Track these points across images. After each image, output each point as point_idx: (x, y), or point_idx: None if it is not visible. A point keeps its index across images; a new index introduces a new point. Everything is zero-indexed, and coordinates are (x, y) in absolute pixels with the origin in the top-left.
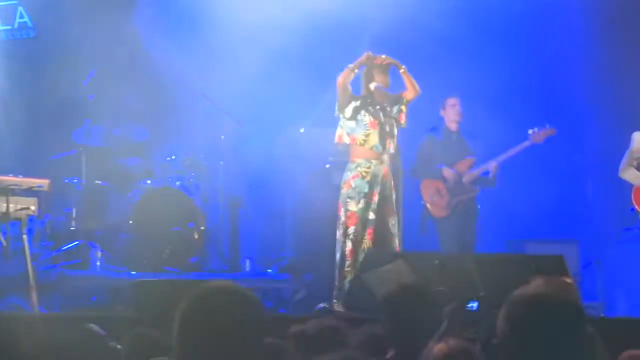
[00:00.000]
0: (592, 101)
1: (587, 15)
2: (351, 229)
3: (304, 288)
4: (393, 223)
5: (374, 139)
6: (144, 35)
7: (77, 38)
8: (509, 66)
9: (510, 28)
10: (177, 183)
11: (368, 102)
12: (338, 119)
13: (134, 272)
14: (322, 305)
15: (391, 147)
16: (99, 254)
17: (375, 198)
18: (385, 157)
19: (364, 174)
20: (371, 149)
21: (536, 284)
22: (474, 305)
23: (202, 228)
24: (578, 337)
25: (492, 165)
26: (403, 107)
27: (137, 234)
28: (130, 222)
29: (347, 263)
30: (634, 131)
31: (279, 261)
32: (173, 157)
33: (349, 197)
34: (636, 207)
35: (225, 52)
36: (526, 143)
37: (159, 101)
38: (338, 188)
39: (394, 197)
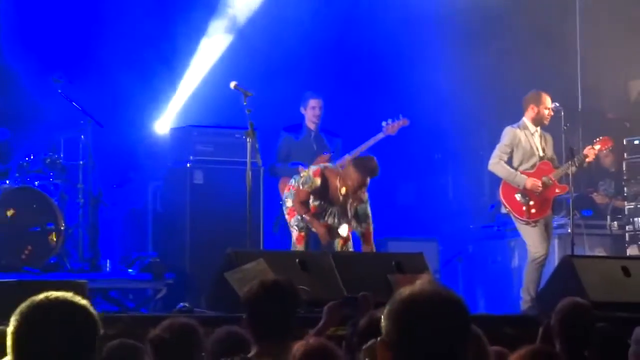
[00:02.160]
0: (450, 100)
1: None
2: None
3: (165, 287)
4: None
5: None
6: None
7: None
8: (369, 63)
9: (373, 21)
10: (35, 183)
11: None
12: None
13: None
14: (182, 304)
15: None
16: None
17: None
18: None
19: None
20: None
21: (419, 283)
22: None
23: (61, 228)
24: (467, 333)
25: (347, 160)
26: None
27: None
28: None
29: None
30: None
31: (140, 260)
32: (32, 157)
33: None
34: (503, 200)
35: (85, 50)
36: (380, 135)
37: (17, 101)
38: (198, 187)
39: None
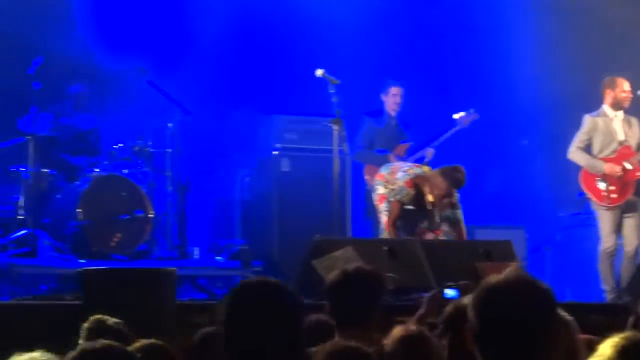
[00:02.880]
0: (538, 86)
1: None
2: None
3: (253, 275)
4: None
5: None
6: (90, 24)
7: (23, 25)
8: (454, 48)
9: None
10: (124, 171)
11: None
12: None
13: (82, 261)
14: None
15: None
16: (47, 242)
17: None
18: None
19: None
20: None
21: (506, 273)
22: (450, 292)
23: (150, 216)
24: (551, 323)
25: (429, 152)
26: None
27: (85, 222)
28: (78, 210)
29: None
30: (583, 114)
31: (228, 248)
32: (120, 145)
33: None
34: (584, 187)
35: (173, 39)
36: (456, 128)
37: (106, 89)
38: (286, 175)
39: None
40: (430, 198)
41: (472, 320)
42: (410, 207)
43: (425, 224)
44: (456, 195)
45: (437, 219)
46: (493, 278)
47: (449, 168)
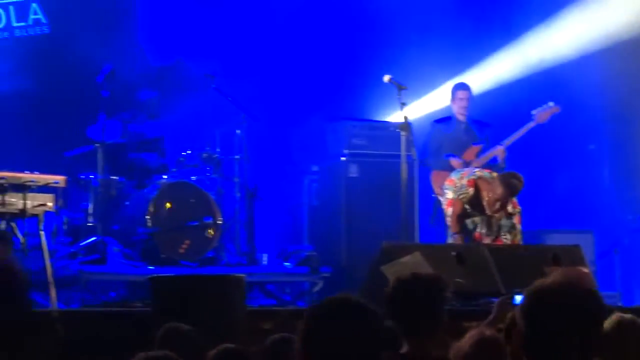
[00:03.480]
0: (604, 89)
1: None
2: None
3: (321, 281)
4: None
5: None
6: (156, 32)
7: (92, 34)
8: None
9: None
10: (192, 177)
11: None
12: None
13: (151, 267)
14: None
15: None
16: (117, 249)
17: None
18: None
19: None
20: None
21: (553, 275)
22: (519, 298)
23: (219, 222)
24: (597, 327)
25: (499, 150)
26: None
27: (154, 229)
28: (147, 217)
29: None
30: None
31: (297, 254)
32: (188, 152)
33: None
34: None
35: (241, 46)
36: (531, 124)
37: (173, 96)
38: (353, 180)
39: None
40: (487, 201)
41: (520, 323)
42: (468, 208)
43: (483, 230)
44: (513, 203)
45: (494, 227)
46: (539, 281)
47: (506, 174)
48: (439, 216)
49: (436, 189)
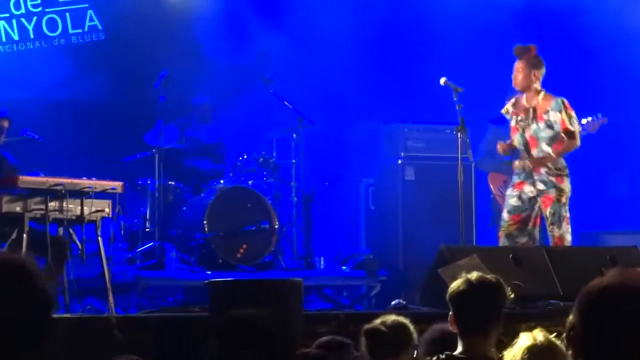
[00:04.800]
0: None
1: None
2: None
3: (379, 284)
4: (552, 211)
5: (517, 139)
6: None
7: (147, 40)
8: (580, 53)
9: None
10: (249, 182)
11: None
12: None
13: (208, 272)
14: (397, 301)
15: (535, 150)
16: (174, 254)
17: (522, 187)
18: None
19: (515, 168)
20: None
21: (610, 275)
22: None
23: (276, 226)
24: None
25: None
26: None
27: (211, 233)
28: (205, 222)
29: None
30: None
31: (354, 258)
32: (245, 157)
33: None
34: None
35: (297, 50)
36: (583, 132)
37: (230, 101)
38: (410, 183)
39: (556, 187)
40: None
41: (574, 326)
42: None
43: (524, 239)
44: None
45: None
46: (596, 281)
47: None
48: (496, 218)
49: (494, 190)
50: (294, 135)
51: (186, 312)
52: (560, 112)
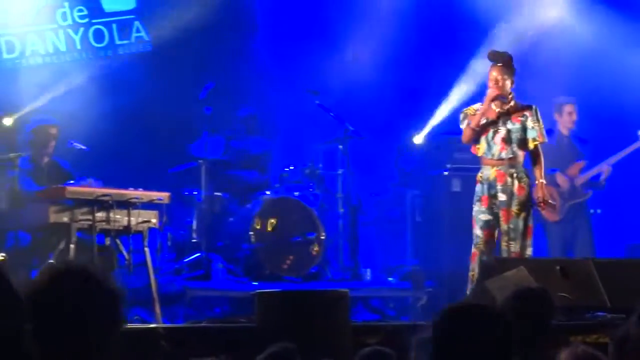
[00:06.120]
0: None
1: None
2: (474, 232)
3: (425, 296)
4: (512, 227)
5: (483, 145)
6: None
7: (193, 51)
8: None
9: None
10: (295, 193)
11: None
12: (456, 128)
13: (255, 283)
14: None
15: (505, 152)
16: (221, 265)
17: (488, 201)
18: (501, 162)
19: (479, 178)
20: (483, 154)
21: None
22: None
23: (322, 237)
24: None
25: (605, 168)
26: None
27: (258, 244)
28: (251, 233)
29: (470, 267)
30: None
31: (400, 269)
32: (291, 168)
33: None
34: None
35: (342, 61)
36: (637, 144)
37: (276, 112)
38: (457, 195)
39: (516, 200)
40: None
41: (634, 337)
42: None
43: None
44: None
45: None
46: None
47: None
48: (536, 229)
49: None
50: (340, 146)
51: (233, 323)
52: (537, 122)
